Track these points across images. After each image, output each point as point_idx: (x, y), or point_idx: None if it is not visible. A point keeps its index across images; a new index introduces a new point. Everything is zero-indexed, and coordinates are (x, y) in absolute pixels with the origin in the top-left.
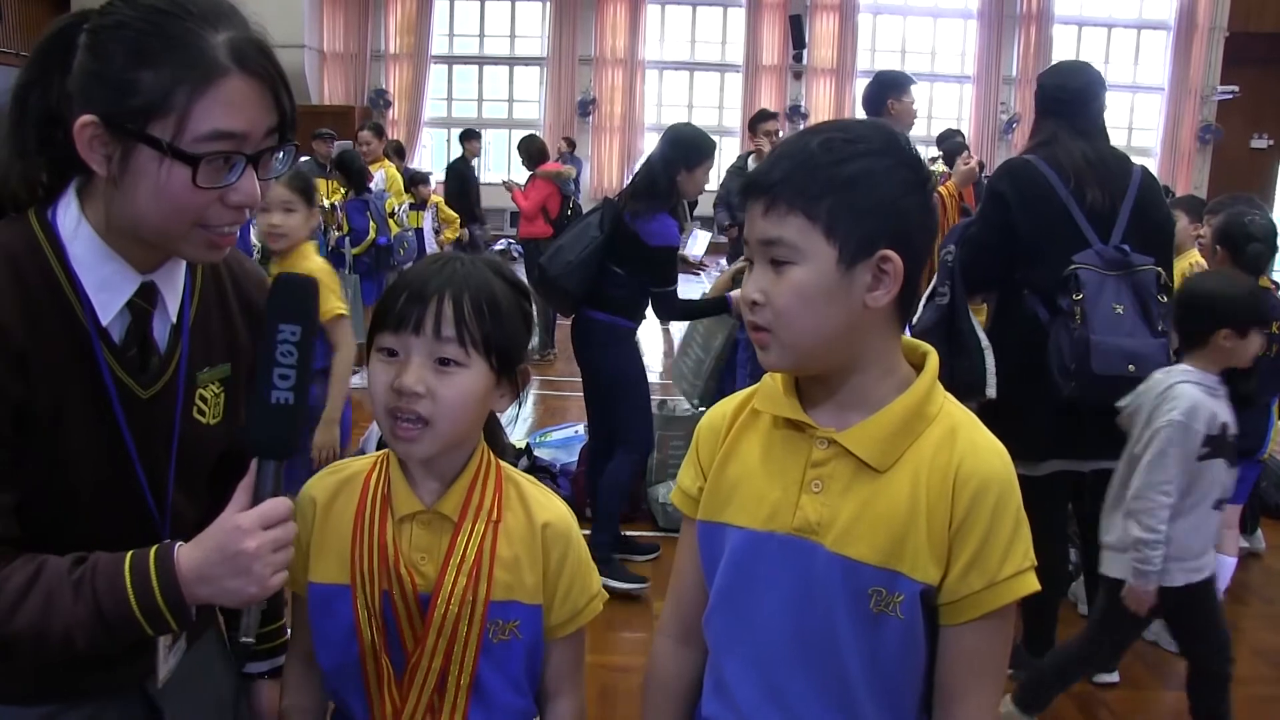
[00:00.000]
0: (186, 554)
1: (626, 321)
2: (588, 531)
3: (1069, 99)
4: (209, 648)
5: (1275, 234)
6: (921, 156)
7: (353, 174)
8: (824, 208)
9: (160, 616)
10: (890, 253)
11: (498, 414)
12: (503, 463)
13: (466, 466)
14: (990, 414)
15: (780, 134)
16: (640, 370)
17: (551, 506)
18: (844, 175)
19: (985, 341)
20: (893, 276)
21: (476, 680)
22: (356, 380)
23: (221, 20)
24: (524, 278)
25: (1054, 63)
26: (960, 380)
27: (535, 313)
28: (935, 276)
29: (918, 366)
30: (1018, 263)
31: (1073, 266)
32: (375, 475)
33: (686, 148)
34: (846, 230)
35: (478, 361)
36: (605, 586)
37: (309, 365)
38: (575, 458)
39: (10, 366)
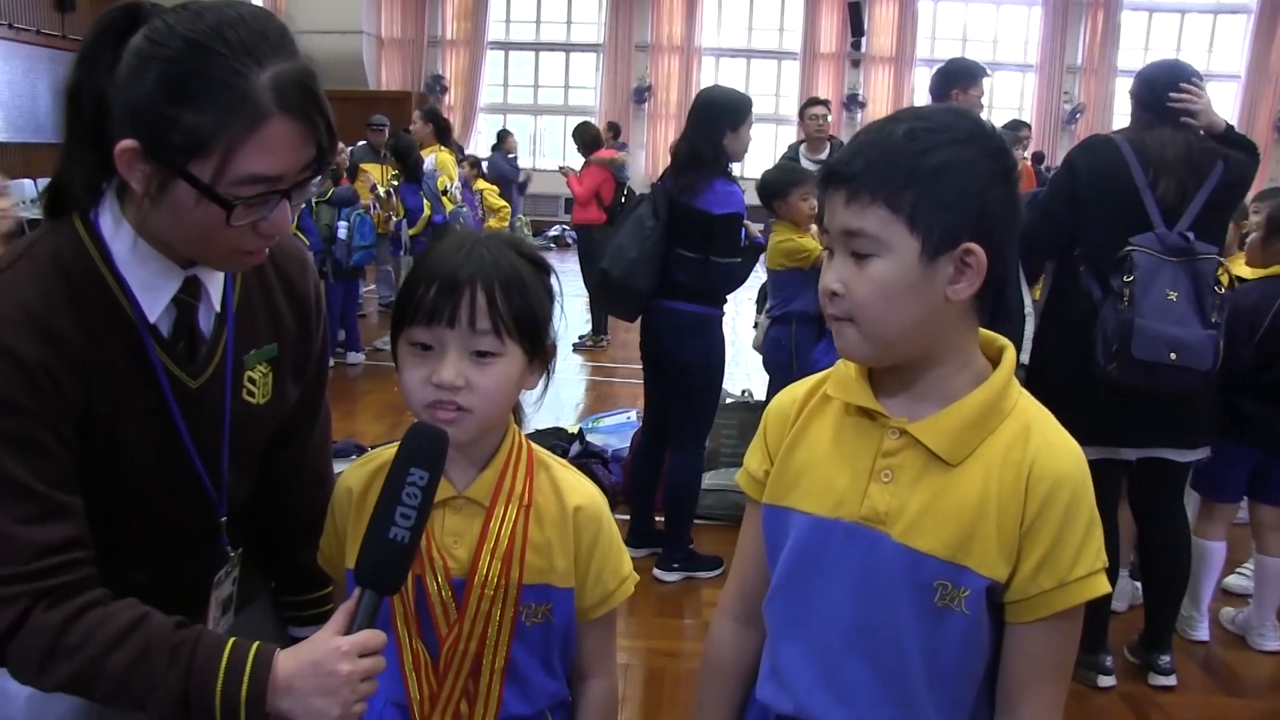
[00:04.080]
0: (282, 661)
1: (711, 308)
2: (624, 518)
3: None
4: (260, 612)
5: None
6: (1008, 145)
7: (408, 161)
8: (907, 199)
9: (235, 711)
10: (974, 245)
11: (529, 391)
12: (535, 445)
13: (498, 451)
14: (1034, 392)
15: (829, 119)
16: (723, 362)
17: (583, 490)
18: (928, 166)
19: (1029, 308)
20: (975, 269)
21: (510, 664)
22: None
23: (267, 52)
24: (577, 263)
25: (1161, 59)
26: None
27: (559, 288)
28: None
29: (994, 360)
30: (1078, 236)
31: (1129, 248)
32: None
33: (727, 108)
34: (930, 222)
35: (512, 348)
36: (693, 578)
37: (428, 511)
38: (627, 444)
39: (73, 375)
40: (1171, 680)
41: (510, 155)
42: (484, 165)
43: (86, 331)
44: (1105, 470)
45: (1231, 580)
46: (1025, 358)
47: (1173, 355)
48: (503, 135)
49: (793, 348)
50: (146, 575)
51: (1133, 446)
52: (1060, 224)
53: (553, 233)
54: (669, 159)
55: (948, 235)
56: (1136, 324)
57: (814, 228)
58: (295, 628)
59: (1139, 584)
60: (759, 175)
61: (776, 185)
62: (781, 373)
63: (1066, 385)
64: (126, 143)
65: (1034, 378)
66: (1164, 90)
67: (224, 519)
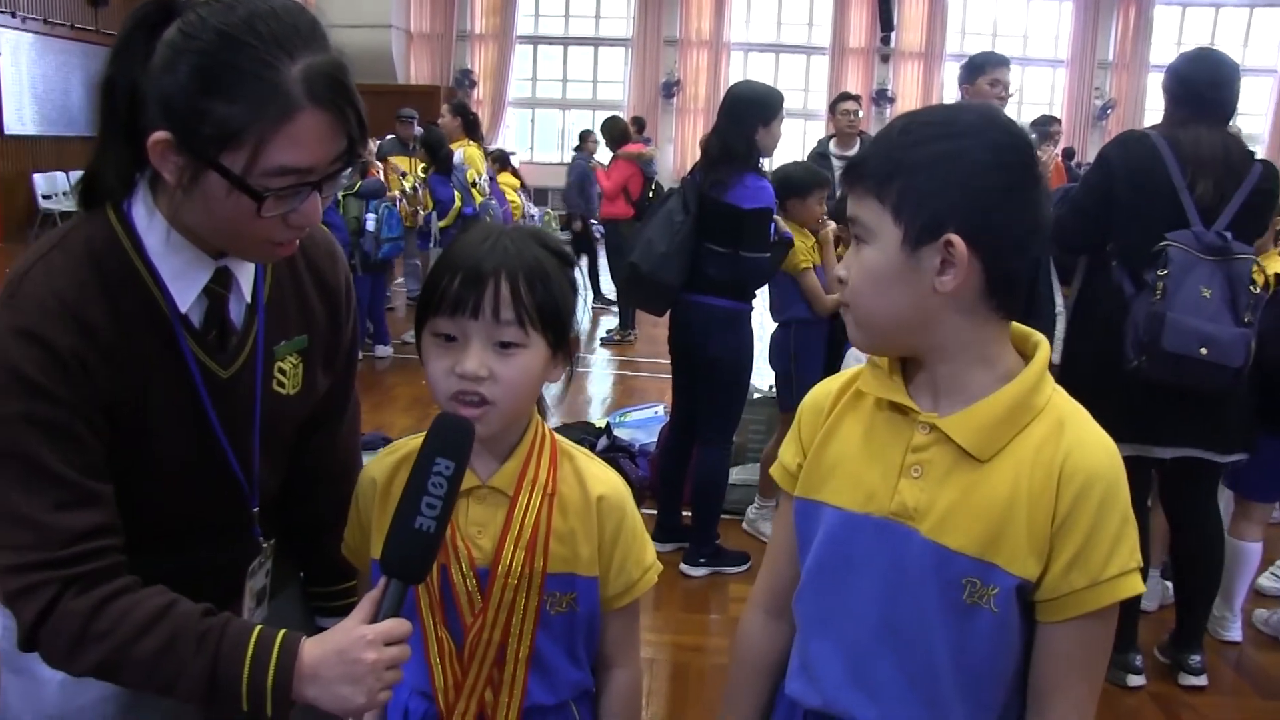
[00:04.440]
0: (308, 649)
1: (740, 303)
2: (651, 512)
3: (1209, 94)
4: (289, 602)
5: None
6: (1027, 140)
7: (439, 154)
8: (894, 189)
9: (262, 697)
10: (954, 237)
11: (552, 383)
12: (558, 436)
13: (521, 441)
14: (1064, 387)
15: (859, 114)
16: (751, 358)
17: (606, 479)
18: (915, 158)
19: (1060, 306)
20: (958, 262)
21: (535, 652)
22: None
23: (298, 44)
24: (604, 258)
25: (1193, 49)
26: None
27: (581, 280)
28: None
29: (1029, 357)
30: (1111, 232)
31: (1164, 243)
32: None
33: (758, 103)
34: (912, 213)
35: (536, 339)
36: (719, 573)
37: (454, 501)
38: (655, 438)
39: (105, 364)
40: (1202, 680)
41: (592, 155)
42: (508, 159)
43: (118, 321)
44: (1135, 467)
45: (1263, 582)
46: (1056, 358)
47: (1203, 350)
48: (584, 136)
49: (793, 352)
50: (180, 565)
51: (1165, 445)
52: (1093, 220)
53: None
54: (698, 154)
55: (930, 226)
56: (1168, 317)
57: (831, 224)
58: (322, 618)
59: (1169, 583)
60: (777, 168)
61: (800, 184)
62: (784, 376)
63: (1097, 381)
64: (159, 134)
65: (1065, 374)
66: (1196, 84)
67: (256, 509)
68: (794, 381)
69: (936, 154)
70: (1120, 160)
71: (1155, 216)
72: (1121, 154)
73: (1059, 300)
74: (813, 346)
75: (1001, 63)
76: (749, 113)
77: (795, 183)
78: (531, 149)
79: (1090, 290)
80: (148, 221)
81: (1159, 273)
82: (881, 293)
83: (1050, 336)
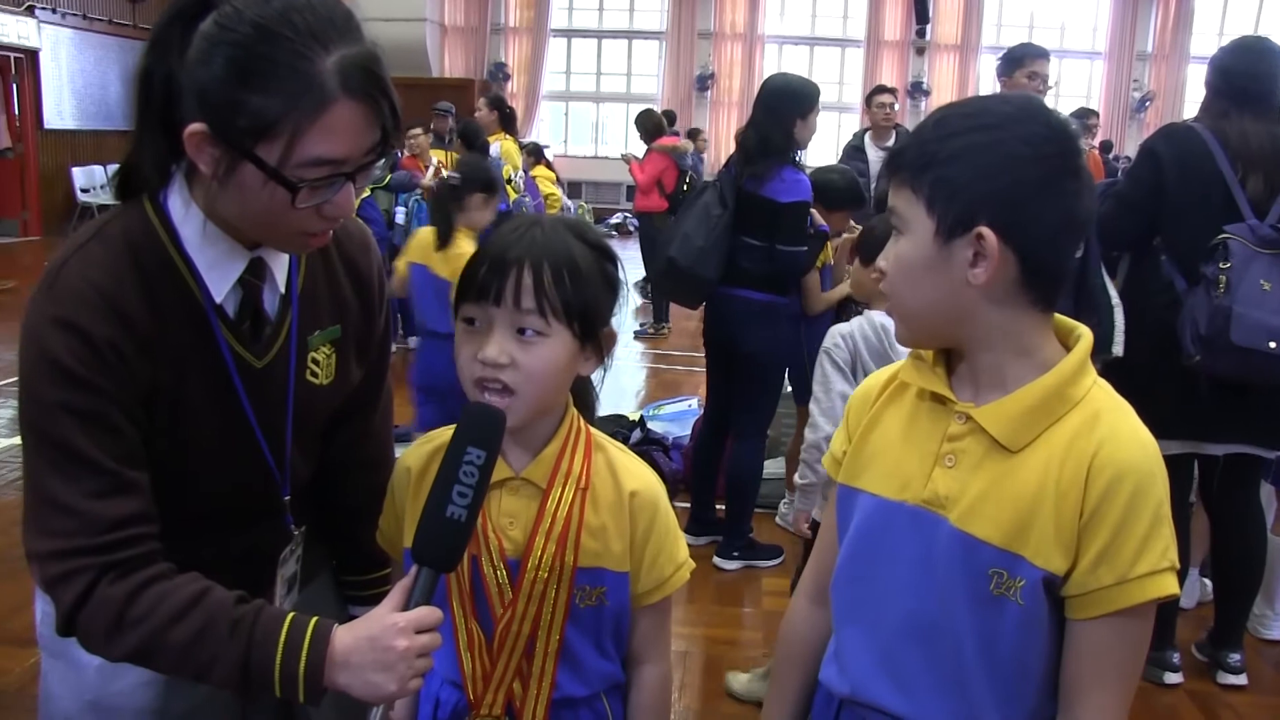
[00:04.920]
0: (340, 636)
1: (776, 297)
2: (685, 505)
3: (1250, 86)
4: (321, 590)
5: None
6: (1066, 131)
7: (475, 146)
8: (927, 181)
9: (294, 684)
10: (985, 230)
11: (586, 375)
12: (593, 430)
13: (555, 433)
14: (1114, 384)
15: (895, 107)
16: (787, 351)
17: (640, 475)
18: (948, 150)
19: (1116, 299)
20: (989, 255)
21: (564, 645)
22: None
23: (333, 37)
24: (638, 250)
25: (1236, 39)
26: None
27: (623, 274)
28: None
29: (1072, 349)
30: (1160, 226)
31: (1223, 235)
32: None
33: (795, 96)
34: (945, 204)
35: (559, 330)
36: (753, 567)
37: (485, 490)
38: (688, 431)
39: (142, 353)
40: (1242, 679)
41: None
42: (543, 152)
43: (155, 310)
44: (1178, 464)
45: None
46: (1119, 350)
47: (1272, 344)
48: (693, 133)
49: (805, 348)
50: (213, 552)
51: (1219, 441)
52: (1141, 214)
53: (614, 220)
54: (732, 147)
55: (963, 217)
56: (1235, 311)
57: (857, 229)
58: (355, 606)
59: (1207, 580)
60: (820, 167)
61: (835, 199)
62: (798, 370)
63: (1148, 377)
64: (195, 126)
65: (1114, 370)
66: (1238, 76)
67: (288, 498)
68: (809, 376)
69: (969, 146)
70: (1169, 153)
71: (1207, 211)
72: (1170, 148)
73: (1113, 293)
74: (819, 341)
75: (1040, 55)
76: (786, 106)
77: (831, 196)
78: (565, 142)
79: (1137, 286)
80: (183, 213)
81: (1221, 265)
82: (915, 284)
83: (1110, 330)
